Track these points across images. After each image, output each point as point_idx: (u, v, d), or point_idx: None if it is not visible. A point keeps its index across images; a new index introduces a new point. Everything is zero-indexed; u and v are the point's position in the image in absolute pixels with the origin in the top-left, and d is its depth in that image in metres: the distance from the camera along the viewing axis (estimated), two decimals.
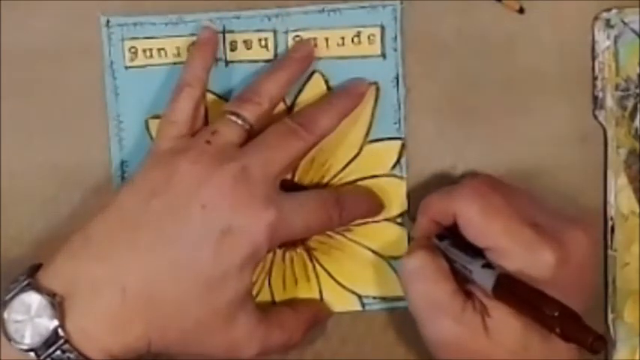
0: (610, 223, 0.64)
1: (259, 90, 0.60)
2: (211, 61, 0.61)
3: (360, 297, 0.64)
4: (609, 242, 0.64)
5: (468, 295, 0.58)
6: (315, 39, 0.62)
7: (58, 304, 0.55)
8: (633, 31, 0.63)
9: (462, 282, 0.58)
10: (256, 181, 0.57)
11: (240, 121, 0.59)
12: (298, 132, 0.59)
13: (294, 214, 0.58)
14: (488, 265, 0.57)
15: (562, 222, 0.58)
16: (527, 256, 0.56)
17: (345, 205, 0.60)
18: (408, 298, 0.59)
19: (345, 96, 0.62)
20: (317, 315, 0.63)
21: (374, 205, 0.63)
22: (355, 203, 0.62)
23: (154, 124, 0.62)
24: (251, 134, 0.59)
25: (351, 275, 0.64)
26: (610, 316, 0.64)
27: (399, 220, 0.64)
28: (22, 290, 0.55)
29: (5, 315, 0.55)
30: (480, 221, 0.58)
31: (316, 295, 0.64)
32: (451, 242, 0.60)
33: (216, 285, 0.56)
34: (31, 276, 0.56)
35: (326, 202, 0.60)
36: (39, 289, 0.55)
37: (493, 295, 0.56)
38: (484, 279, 0.57)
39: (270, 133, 0.59)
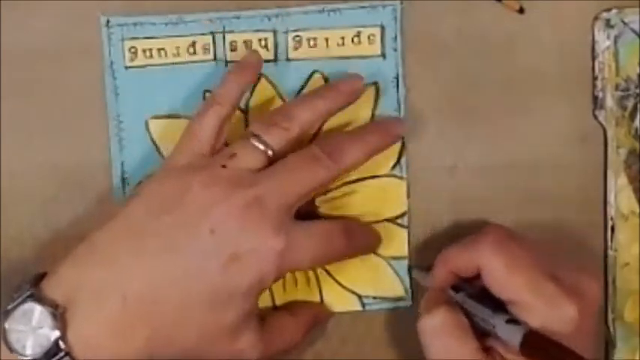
0: (610, 223, 0.64)
1: (291, 114, 0.58)
2: (248, 85, 0.60)
3: (360, 297, 0.64)
4: (609, 242, 0.64)
5: (487, 350, 0.57)
6: (315, 39, 0.63)
7: (60, 315, 0.54)
8: (633, 31, 0.63)
9: (479, 335, 0.57)
10: (268, 210, 0.56)
11: (262, 147, 0.57)
12: (323, 161, 0.57)
13: (303, 245, 0.57)
14: (513, 321, 0.56)
15: (575, 271, 0.57)
16: (550, 311, 0.55)
17: (350, 239, 0.60)
18: (428, 355, 0.58)
19: (380, 133, 0.60)
20: (317, 317, 0.63)
21: (376, 241, 0.63)
22: (360, 238, 0.61)
23: (154, 124, 0.62)
24: (273, 159, 0.58)
25: (351, 275, 0.64)
26: (610, 316, 0.64)
27: (399, 220, 0.64)
28: (25, 300, 0.55)
29: (7, 325, 0.55)
30: (504, 274, 0.56)
31: (316, 296, 0.64)
32: (468, 294, 0.59)
33: (220, 304, 0.56)
34: (34, 285, 0.55)
35: (335, 234, 0.59)
36: (41, 300, 0.55)
37: (520, 352, 0.55)
38: (509, 335, 0.55)
39: (292, 159, 0.57)
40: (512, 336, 0.55)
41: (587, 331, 0.56)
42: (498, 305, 0.57)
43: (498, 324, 0.56)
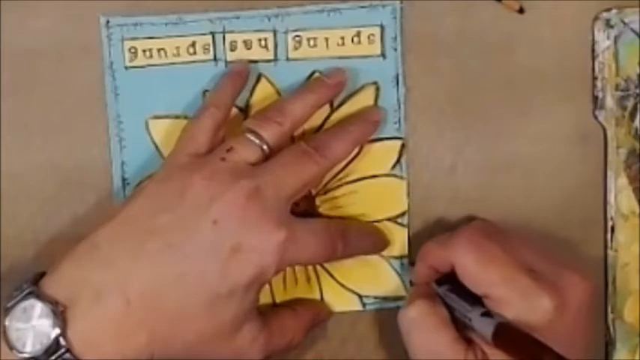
0: (610, 223, 0.64)
1: (283, 110, 0.60)
2: (240, 90, 0.62)
3: (360, 297, 0.64)
4: (609, 242, 0.64)
5: (469, 342, 0.58)
6: (315, 39, 0.63)
7: (60, 313, 0.54)
8: (633, 31, 0.63)
9: (461, 328, 0.58)
10: (269, 201, 0.57)
11: (257, 141, 0.58)
12: (312, 156, 0.59)
13: (304, 238, 0.58)
14: (487, 314, 0.57)
15: (559, 267, 0.58)
16: (524, 304, 0.56)
17: (348, 239, 0.60)
18: (409, 348, 0.59)
19: (360, 123, 0.62)
20: (317, 316, 0.63)
21: (378, 244, 0.63)
22: (359, 240, 0.62)
23: (154, 124, 0.62)
24: (269, 154, 0.59)
25: (352, 275, 0.64)
26: (610, 316, 0.64)
27: (399, 219, 0.64)
28: (25, 298, 0.55)
29: (7, 322, 0.55)
30: (476, 270, 0.58)
31: (316, 295, 0.64)
32: (450, 288, 0.60)
33: (221, 301, 0.56)
34: (34, 284, 0.56)
35: (333, 233, 0.60)
36: (41, 297, 0.55)
37: (493, 343, 0.56)
38: (483, 327, 0.56)
39: (284, 155, 0.59)
40: (486, 328, 0.56)
41: (565, 328, 0.57)
42: (477, 299, 0.58)
43: (474, 317, 0.57)
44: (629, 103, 0.63)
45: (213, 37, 0.62)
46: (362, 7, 0.62)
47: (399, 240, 0.64)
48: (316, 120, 0.62)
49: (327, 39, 0.63)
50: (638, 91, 0.63)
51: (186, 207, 0.56)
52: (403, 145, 0.63)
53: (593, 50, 0.63)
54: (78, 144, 0.63)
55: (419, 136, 0.64)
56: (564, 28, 0.63)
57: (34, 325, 0.55)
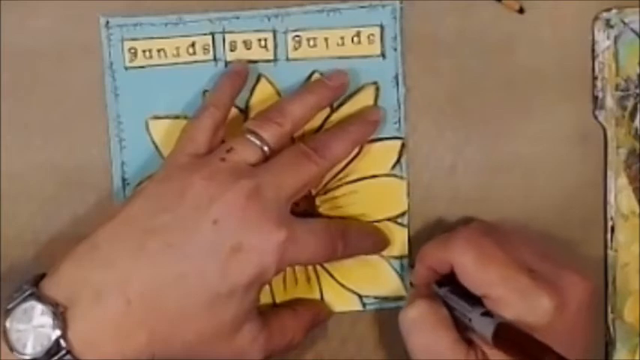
0: (610, 223, 0.64)
1: (284, 110, 0.60)
2: (239, 90, 0.62)
3: (360, 297, 0.64)
4: (609, 242, 0.64)
5: (469, 343, 0.58)
6: (314, 39, 0.63)
7: (60, 314, 0.54)
8: (633, 31, 0.63)
9: (462, 330, 0.58)
10: (269, 201, 0.57)
11: (258, 142, 0.59)
12: (311, 156, 0.59)
13: (304, 238, 0.58)
14: (487, 314, 0.57)
15: (558, 267, 0.58)
16: (523, 304, 0.56)
17: (349, 239, 0.60)
18: (409, 348, 0.59)
19: (359, 123, 0.62)
20: (317, 315, 0.63)
21: (378, 244, 0.63)
22: (359, 240, 0.62)
23: (154, 125, 0.62)
24: (269, 155, 0.59)
25: (352, 275, 0.64)
26: (610, 316, 0.64)
27: (399, 219, 0.64)
28: (25, 299, 0.55)
29: (7, 324, 0.55)
30: (475, 270, 0.58)
31: (317, 295, 0.64)
32: (450, 289, 0.60)
33: (221, 301, 0.56)
34: (34, 285, 0.56)
35: (333, 233, 0.60)
36: (42, 299, 0.55)
37: (493, 343, 0.56)
38: (483, 327, 0.56)
39: (283, 155, 0.59)
40: (486, 328, 0.56)
41: (565, 328, 0.57)
42: (478, 300, 0.58)
43: (474, 317, 0.57)
44: (629, 103, 0.63)
45: (213, 38, 0.62)
46: (362, 7, 0.62)
47: (399, 240, 0.64)
48: (316, 120, 0.62)
49: (326, 39, 0.63)
50: (638, 91, 0.63)
51: (186, 207, 0.56)
52: (403, 145, 0.63)
53: (593, 50, 0.63)
54: (78, 144, 0.63)
55: (419, 136, 0.64)
56: (564, 28, 0.63)
57: (34, 326, 0.55)
